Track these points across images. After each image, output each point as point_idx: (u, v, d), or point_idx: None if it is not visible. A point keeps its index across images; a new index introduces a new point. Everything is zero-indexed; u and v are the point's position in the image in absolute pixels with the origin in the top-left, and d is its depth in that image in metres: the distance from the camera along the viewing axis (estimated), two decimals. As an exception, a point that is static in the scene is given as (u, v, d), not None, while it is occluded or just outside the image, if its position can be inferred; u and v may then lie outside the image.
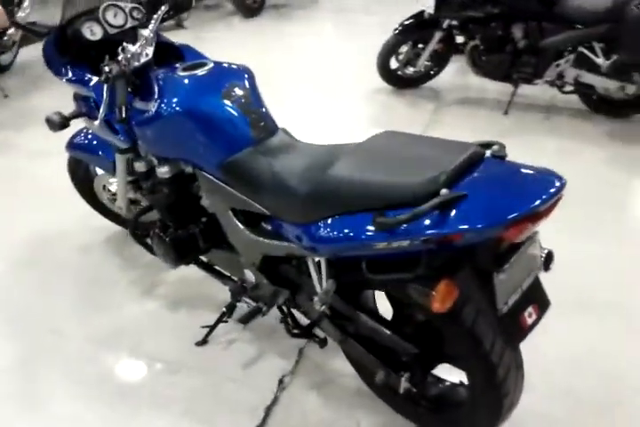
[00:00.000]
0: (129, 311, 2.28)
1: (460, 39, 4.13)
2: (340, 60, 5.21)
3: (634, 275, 2.37)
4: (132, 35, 1.92)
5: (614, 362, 1.97)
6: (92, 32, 1.88)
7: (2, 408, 1.90)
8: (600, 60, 3.65)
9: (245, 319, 1.85)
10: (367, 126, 3.91)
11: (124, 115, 1.60)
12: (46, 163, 3.31)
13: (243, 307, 1.99)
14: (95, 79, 1.85)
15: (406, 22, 4.06)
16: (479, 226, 1.13)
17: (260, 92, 1.73)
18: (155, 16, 1.85)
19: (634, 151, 3.56)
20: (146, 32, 1.79)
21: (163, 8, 1.86)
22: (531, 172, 1.21)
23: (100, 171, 2.48)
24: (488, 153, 1.30)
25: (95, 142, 2.26)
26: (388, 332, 1.54)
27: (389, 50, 4.15)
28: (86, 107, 1.94)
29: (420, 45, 4.17)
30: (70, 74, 1.89)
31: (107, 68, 1.69)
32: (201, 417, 1.84)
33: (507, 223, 1.12)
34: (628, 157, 3.46)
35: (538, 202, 1.11)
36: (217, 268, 2.09)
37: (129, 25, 1.94)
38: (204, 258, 2.10)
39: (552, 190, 1.13)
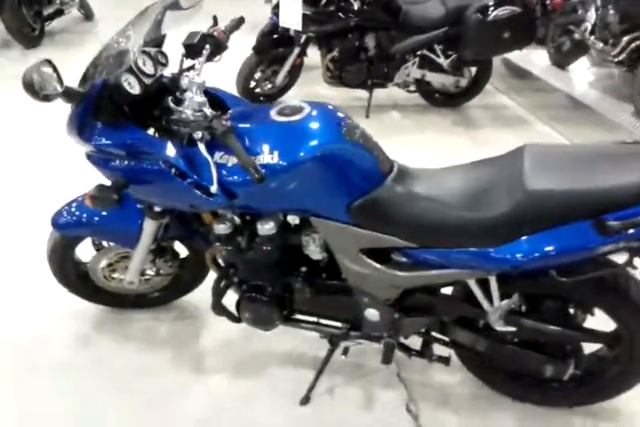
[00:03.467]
0: (197, 395, 1.97)
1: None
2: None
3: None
4: (167, 84, 1.70)
5: None
6: (131, 85, 1.61)
7: None
8: (441, 60, 4.18)
9: (388, 359, 1.79)
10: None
11: (261, 172, 1.43)
12: None
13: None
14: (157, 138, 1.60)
15: (261, 40, 4.09)
16: None
17: None
18: (200, 59, 1.68)
19: (482, 133, 4.22)
20: (199, 78, 1.62)
21: (205, 52, 1.69)
22: None
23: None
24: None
25: (103, 213, 1.91)
26: (559, 328, 1.67)
27: (250, 70, 4.13)
28: (134, 172, 1.63)
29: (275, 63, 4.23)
30: (120, 137, 1.58)
31: (200, 124, 1.49)
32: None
33: None
34: (483, 138, 4.11)
35: None
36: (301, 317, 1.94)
37: (160, 72, 1.70)
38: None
39: None
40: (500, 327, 1.65)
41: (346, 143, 1.55)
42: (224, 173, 1.56)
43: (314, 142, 1.51)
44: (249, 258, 1.73)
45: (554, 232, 1.43)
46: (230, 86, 4.21)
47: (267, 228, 1.65)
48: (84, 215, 1.92)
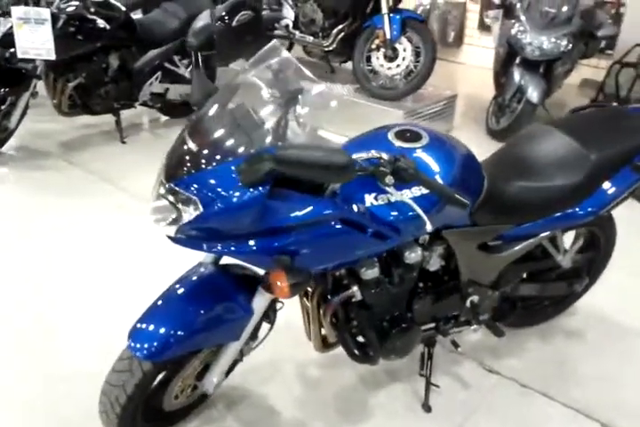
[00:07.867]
0: None
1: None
2: None
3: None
4: None
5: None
6: None
7: None
8: (182, 70, 4.10)
9: (499, 331, 2.00)
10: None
11: (467, 198, 1.47)
12: None
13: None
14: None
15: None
16: None
17: None
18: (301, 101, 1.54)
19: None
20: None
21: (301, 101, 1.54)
22: None
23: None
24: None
25: (203, 313, 1.51)
26: (584, 253, 2.18)
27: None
28: (304, 243, 1.39)
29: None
30: (295, 208, 1.34)
31: (386, 169, 1.40)
32: None
33: None
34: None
35: None
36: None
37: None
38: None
39: None
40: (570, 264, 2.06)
41: (466, 151, 1.66)
42: (387, 212, 1.49)
43: (454, 157, 1.58)
44: (395, 292, 1.68)
45: (612, 182, 1.88)
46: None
47: (417, 254, 1.64)
48: (181, 326, 1.47)
